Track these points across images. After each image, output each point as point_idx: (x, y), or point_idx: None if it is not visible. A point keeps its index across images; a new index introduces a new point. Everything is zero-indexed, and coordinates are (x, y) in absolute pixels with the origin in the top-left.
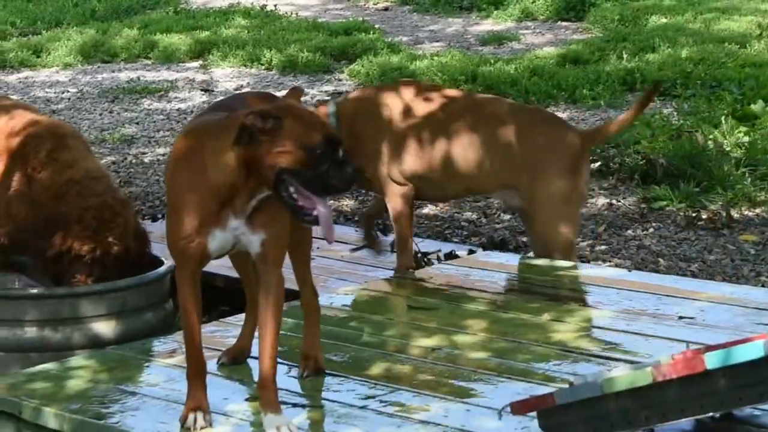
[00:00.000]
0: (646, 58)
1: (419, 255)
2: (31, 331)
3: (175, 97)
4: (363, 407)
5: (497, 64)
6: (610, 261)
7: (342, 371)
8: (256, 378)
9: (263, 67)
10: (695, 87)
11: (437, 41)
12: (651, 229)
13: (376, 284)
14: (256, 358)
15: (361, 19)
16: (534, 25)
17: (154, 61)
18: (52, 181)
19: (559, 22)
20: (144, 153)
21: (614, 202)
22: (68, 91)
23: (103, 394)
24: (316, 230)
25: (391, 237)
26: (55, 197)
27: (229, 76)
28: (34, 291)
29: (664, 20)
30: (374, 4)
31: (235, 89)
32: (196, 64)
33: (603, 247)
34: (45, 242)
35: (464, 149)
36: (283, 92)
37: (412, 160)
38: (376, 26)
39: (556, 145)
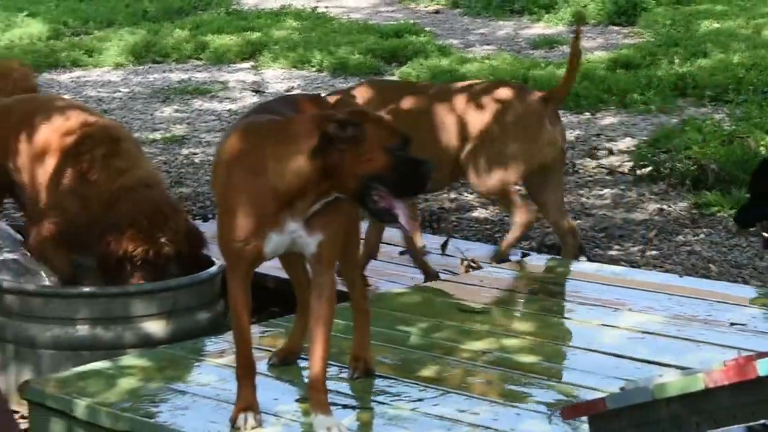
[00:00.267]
0: (697, 63)
1: (466, 260)
2: (83, 330)
3: (226, 98)
4: (413, 410)
5: (548, 67)
6: (661, 266)
7: (392, 373)
8: (305, 379)
9: (314, 69)
10: (747, 92)
11: (488, 44)
12: (702, 235)
13: (426, 286)
14: (306, 359)
15: (411, 21)
16: (585, 29)
17: (205, 62)
18: (104, 188)
19: (610, 27)
20: (195, 153)
21: (665, 207)
22: (120, 91)
23: (154, 393)
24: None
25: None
26: (107, 205)
27: (279, 78)
28: (87, 290)
29: (716, 25)
30: (425, 7)
31: (286, 91)
32: (247, 65)
33: (654, 253)
34: (98, 244)
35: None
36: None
37: None
38: (427, 29)
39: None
